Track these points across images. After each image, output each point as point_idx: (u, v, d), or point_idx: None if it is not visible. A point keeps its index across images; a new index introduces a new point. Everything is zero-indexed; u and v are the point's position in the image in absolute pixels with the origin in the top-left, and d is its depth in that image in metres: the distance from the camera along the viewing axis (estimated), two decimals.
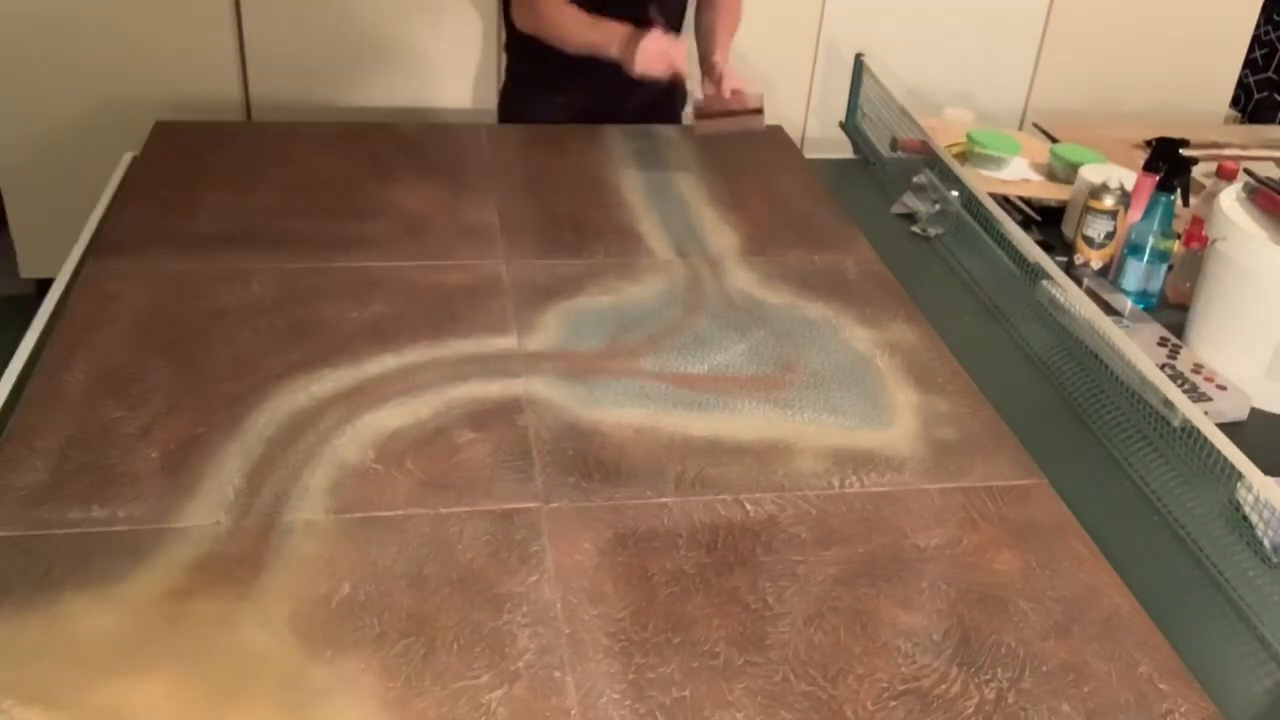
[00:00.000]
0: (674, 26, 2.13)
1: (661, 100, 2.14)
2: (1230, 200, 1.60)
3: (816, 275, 1.69)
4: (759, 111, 1.99)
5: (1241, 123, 3.43)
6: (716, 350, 1.49)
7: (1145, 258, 1.72)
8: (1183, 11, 3.10)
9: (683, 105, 2.24)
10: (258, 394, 1.32)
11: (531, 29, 2.01)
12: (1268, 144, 2.42)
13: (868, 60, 2.27)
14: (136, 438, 1.24)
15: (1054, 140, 2.29)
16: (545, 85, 2.15)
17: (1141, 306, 1.71)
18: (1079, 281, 1.66)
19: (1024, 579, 1.15)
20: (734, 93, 1.99)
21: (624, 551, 1.14)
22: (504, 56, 2.27)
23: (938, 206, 1.92)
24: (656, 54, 1.89)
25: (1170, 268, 1.75)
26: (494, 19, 2.73)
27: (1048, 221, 1.97)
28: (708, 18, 2.13)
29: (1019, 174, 2.11)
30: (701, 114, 2.01)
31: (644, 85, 1.96)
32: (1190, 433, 1.30)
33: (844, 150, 2.31)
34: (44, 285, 1.64)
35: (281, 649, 1.00)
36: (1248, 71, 3.51)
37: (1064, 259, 1.78)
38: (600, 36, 1.94)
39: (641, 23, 1.95)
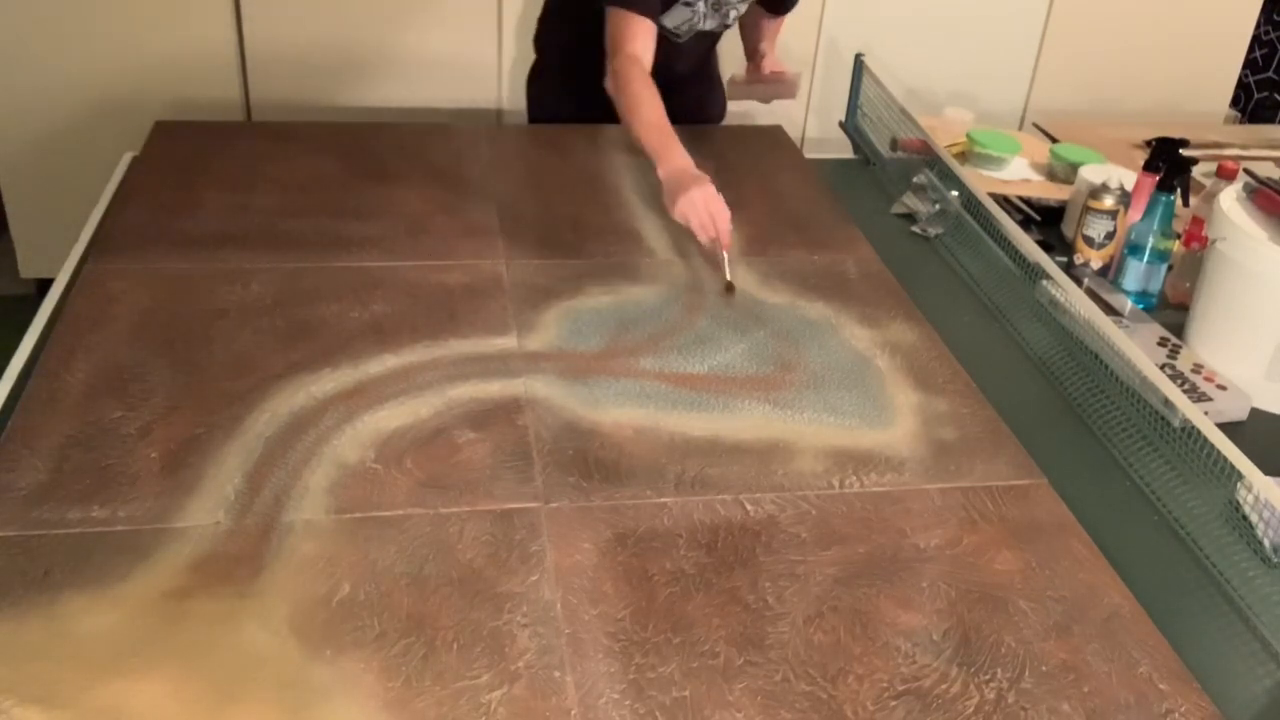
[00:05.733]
0: (706, 54, 2.15)
1: (694, 106, 2.12)
2: (1230, 200, 1.60)
3: (816, 275, 1.69)
4: (791, 83, 2.06)
5: (1241, 123, 3.43)
6: (716, 350, 1.49)
7: (1145, 258, 1.72)
8: (1183, 11, 3.10)
9: (719, 114, 2.27)
10: (258, 394, 1.32)
11: (611, 93, 1.80)
12: (1268, 144, 2.42)
13: (868, 60, 2.27)
14: (136, 438, 1.24)
15: (1054, 140, 2.29)
16: (575, 84, 2.08)
17: (1141, 306, 1.71)
18: (1079, 281, 1.66)
19: (1024, 579, 1.15)
20: (773, 72, 2.07)
21: (624, 551, 1.14)
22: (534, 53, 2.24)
23: (938, 206, 1.92)
24: (702, 207, 1.60)
25: (1170, 268, 1.75)
26: (493, 20, 2.73)
27: (1048, 221, 1.97)
28: (755, 24, 2.16)
29: (1019, 174, 2.11)
30: (735, 81, 2.09)
31: (680, 91, 1.92)
32: (1190, 433, 1.30)
33: (844, 150, 2.31)
34: (44, 285, 1.64)
35: (281, 649, 1.00)
36: (1248, 71, 3.50)
37: (1064, 259, 1.78)
38: (660, 146, 1.69)
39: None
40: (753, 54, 2.16)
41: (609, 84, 1.82)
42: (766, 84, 2.07)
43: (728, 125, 2.23)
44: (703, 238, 1.62)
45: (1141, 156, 1.95)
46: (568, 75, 2.11)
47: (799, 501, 1.23)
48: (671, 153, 1.67)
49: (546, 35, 2.19)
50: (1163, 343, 1.59)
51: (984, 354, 1.56)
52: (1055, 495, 1.28)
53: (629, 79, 1.76)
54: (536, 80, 2.23)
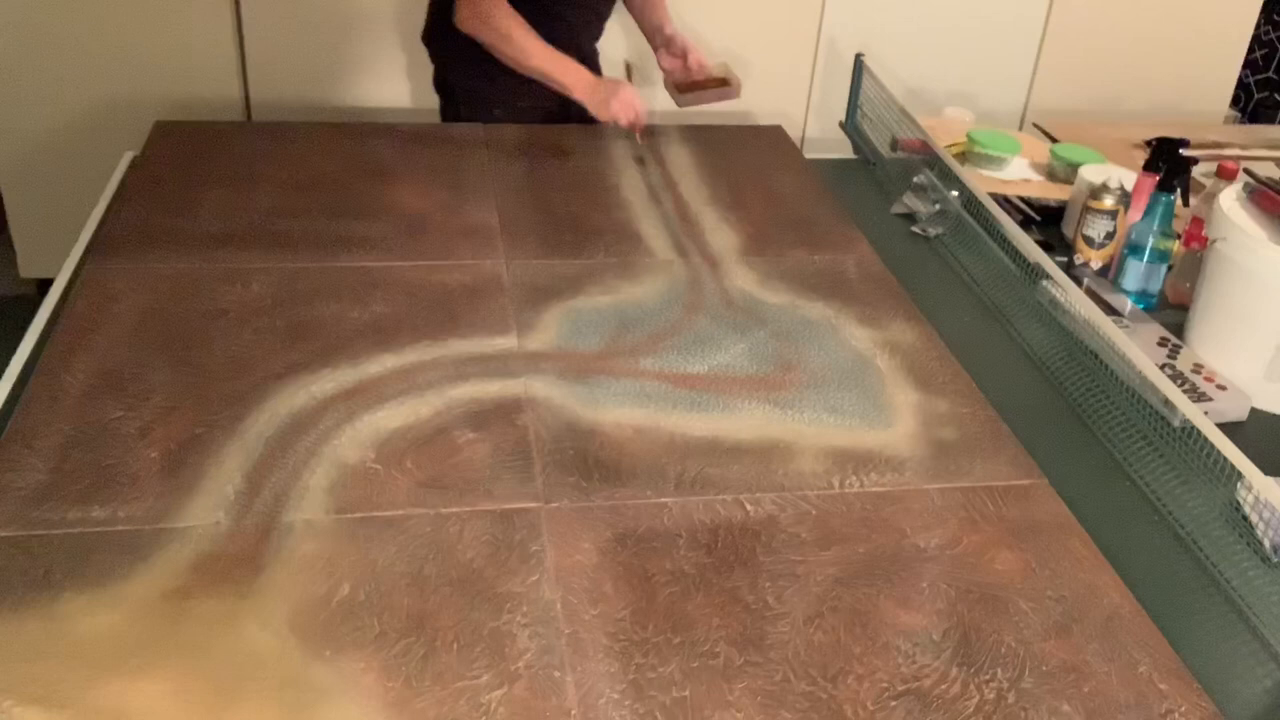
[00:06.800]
0: (601, 21, 2.16)
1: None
2: (1230, 200, 1.60)
3: (816, 275, 1.69)
4: (728, 83, 2.08)
5: (1241, 123, 3.43)
6: (716, 350, 1.49)
7: (1145, 258, 1.72)
8: (1183, 11, 3.10)
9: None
10: (258, 394, 1.32)
11: (472, 29, 1.93)
12: (1268, 144, 2.42)
13: (868, 60, 2.27)
14: (136, 438, 1.24)
15: (1054, 140, 2.29)
16: (485, 102, 2.10)
17: (1141, 306, 1.71)
18: (1079, 281, 1.66)
19: (1024, 579, 1.15)
20: (701, 65, 2.09)
21: (624, 551, 1.14)
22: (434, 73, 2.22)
23: (938, 206, 1.92)
24: (629, 105, 1.92)
25: (1170, 268, 1.75)
26: None
27: (1048, 221, 1.97)
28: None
29: (1019, 174, 2.11)
30: (678, 88, 2.09)
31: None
32: (1190, 433, 1.30)
33: (844, 150, 2.31)
34: (44, 285, 1.64)
35: (281, 649, 1.00)
36: (1248, 71, 3.51)
37: (1064, 259, 1.78)
38: (563, 72, 1.92)
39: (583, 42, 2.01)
40: (655, 33, 2.13)
41: (465, 22, 1.92)
42: (709, 89, 2.08)
43: (728, 125, 2.23)
44: (627, 125, 1.94)
45: (1141, 156, 1.95)
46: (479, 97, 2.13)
47: (799, 501, 1.23)
48: (575, 69, 1.92)
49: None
50: (1163, 343, 1.59)
51: (984, 354, 1.56)
52: (1055, 495, 1.28)
53: (495, 12, 1.89)
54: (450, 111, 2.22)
